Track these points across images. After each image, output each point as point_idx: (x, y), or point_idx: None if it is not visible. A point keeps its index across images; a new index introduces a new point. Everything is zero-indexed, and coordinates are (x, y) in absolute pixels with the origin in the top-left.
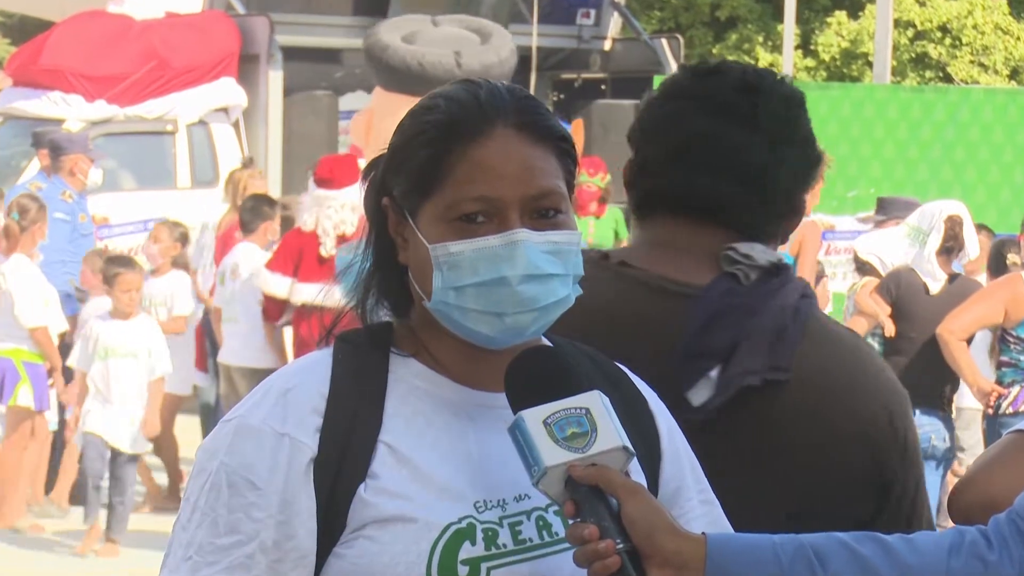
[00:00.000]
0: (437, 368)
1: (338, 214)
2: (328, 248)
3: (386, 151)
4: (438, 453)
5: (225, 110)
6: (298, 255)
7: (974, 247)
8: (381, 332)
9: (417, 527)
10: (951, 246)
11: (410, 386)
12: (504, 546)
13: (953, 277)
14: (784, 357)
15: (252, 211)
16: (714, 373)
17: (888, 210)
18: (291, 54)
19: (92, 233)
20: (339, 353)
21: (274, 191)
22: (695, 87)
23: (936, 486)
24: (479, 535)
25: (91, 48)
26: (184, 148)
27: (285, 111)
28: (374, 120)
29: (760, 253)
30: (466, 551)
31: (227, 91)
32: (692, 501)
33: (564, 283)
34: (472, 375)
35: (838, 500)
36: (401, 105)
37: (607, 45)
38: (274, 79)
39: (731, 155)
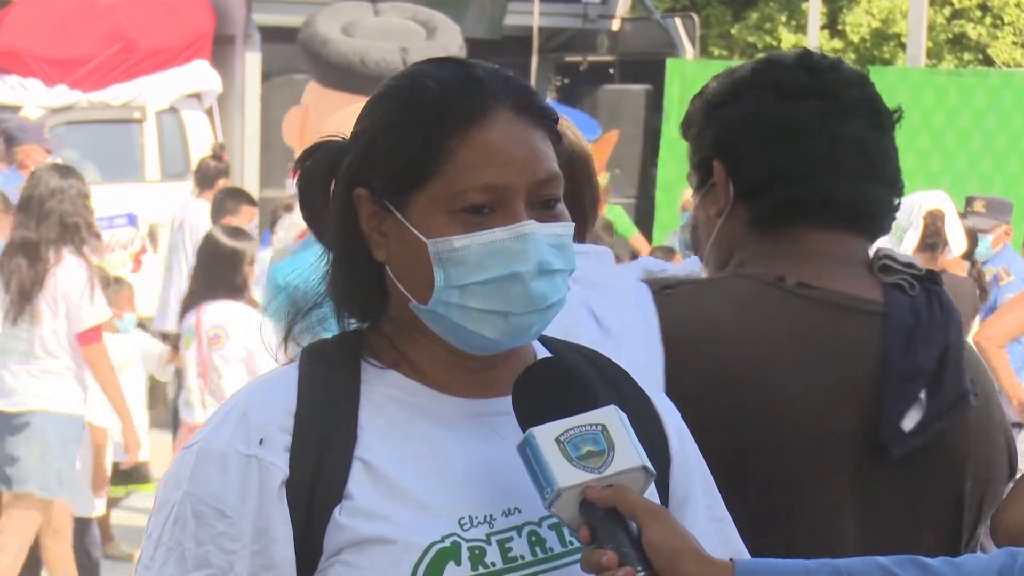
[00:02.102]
0: (416, 378)
1: None
2: None
3: (335, 140)
4: (417, 467)
5: (198, 96)
6: None
7: (959, 242)
8: (352, 341)
9: (396, 548)
10: (933, 242)
11: (384, 396)
12: (493, 564)
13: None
14: (970, 373)
15: (222, 206)
16: (922, 395)
17: (999, 213)
18: (270, 35)
19: None
20: (305, 366)
21: (251, 185)
22: (817, 86)
23: None
24: (464, 554)
25: (51, 28)
26: (153, 137)
27: (263, 97)
28: (309, 119)
29: (913, 260)
30: (451, 572)
31: (200, 75)
32: (699, 515)
33: (564, 280)
34: (454, 382)
35: (987, 511)
36: (340, 103)
37: (615, 25)
38: (251, 62)
39: (877, 160)
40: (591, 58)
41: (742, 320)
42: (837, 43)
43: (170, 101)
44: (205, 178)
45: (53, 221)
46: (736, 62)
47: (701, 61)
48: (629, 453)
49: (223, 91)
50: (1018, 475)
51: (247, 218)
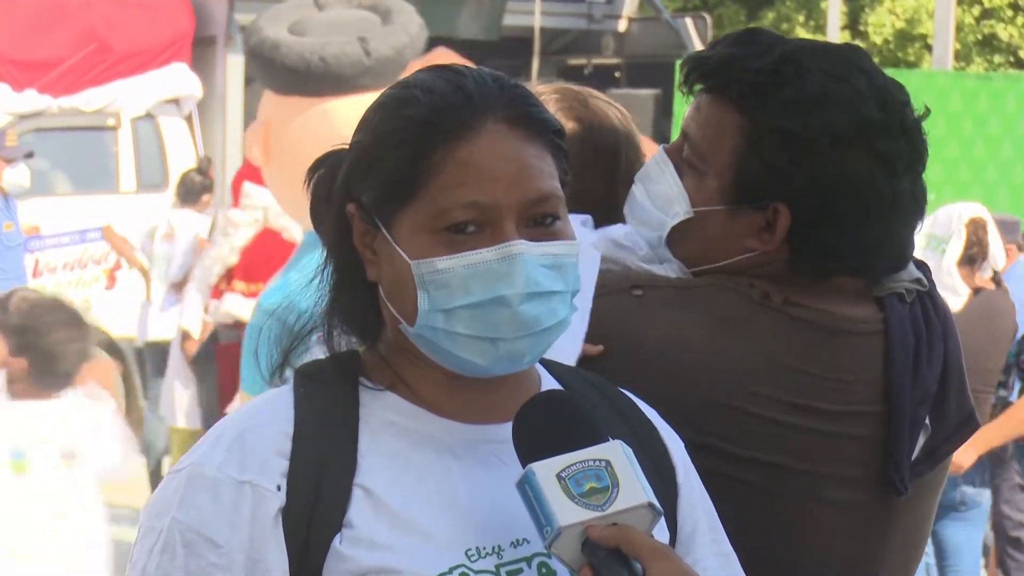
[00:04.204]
0: (415, 401)
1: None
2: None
3: (346, 148)
4: (421, 496)
5: (176, 101)
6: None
7: (1000, 255)
8: (348, 362)
9: None
10: (974, 254)
11: (384, 422)
12: None
13: (977, 290)
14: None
15: None
16: (927, 419)
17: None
18: None
19: (21, 244)
20: (301, 387)
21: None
22: (912, 154)
23: (975, 542)
24: None
25: (19, 29)
26: (128, 146)
27: (246, 102)
28: (272, 131)
29: (920, 276)
30: None
31: (178, 79)
32: (705, 549)
33: (564, 301)
34: (455, 407)
35: None
36: (302, 109)
37: (622, 25)
38: (233, 65)
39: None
40: (596, 60)
41: (718, 341)
42: (859, 44)
43: (146, 107)
44: (189, 193)
45: None
46: None
47: None
48: (634, 490)
49: (203, 96)
50: None
51: None
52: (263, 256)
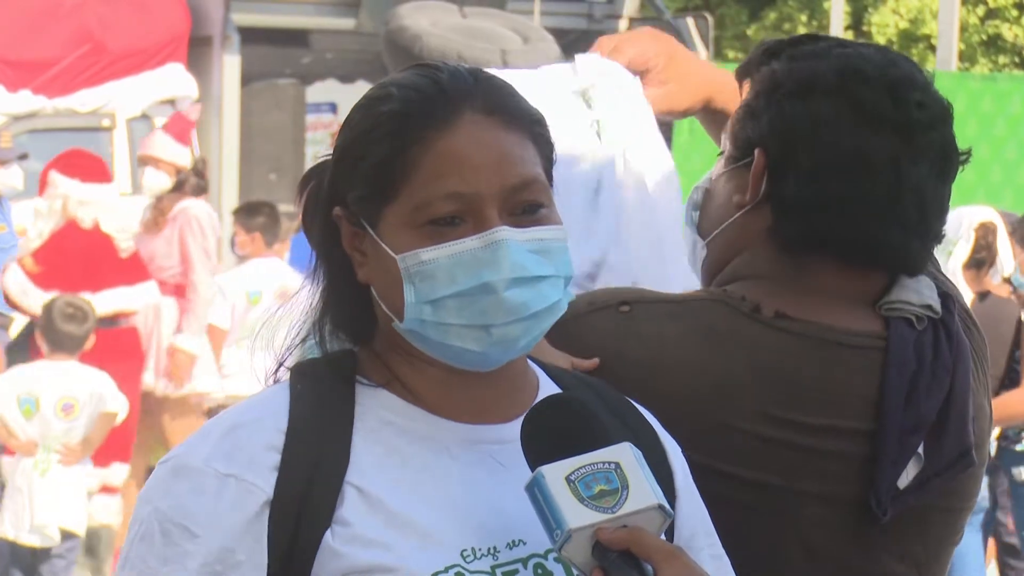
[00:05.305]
0: (411, 399)
1: (119, 211)
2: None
3: (329, 157)
4: (418, 495)
5: (172, 102)
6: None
7: (1009, 260)
8: (344, 361)
9: None
10: (982, 258)
11: (380, 420)
12: None
13: (983, 295)
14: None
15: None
16: (920, 448)
17: None
18: (250, 36)
19: (15, 246)
20: (297, 384)
21: (230, 196)
22: (898, 122)
23: (977, 547)
24: None
25: (13, 29)
26: (123, 147)
27: (243, 103)
28: None
29: (926, 289)
30: None
31: (174, 80)
32: (703, 552)
33: (555, 286)
34: (451, 405)
35: None
36: None
37: (623, 26)
38: (230, 65)
39: (931, 213)
40: None
41: (703, 355)
42: None
43: (142, 108)
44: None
45: None
46: None
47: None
48: (644, 492)
49: (199, 97)
50: None
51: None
52: (57, 244)
